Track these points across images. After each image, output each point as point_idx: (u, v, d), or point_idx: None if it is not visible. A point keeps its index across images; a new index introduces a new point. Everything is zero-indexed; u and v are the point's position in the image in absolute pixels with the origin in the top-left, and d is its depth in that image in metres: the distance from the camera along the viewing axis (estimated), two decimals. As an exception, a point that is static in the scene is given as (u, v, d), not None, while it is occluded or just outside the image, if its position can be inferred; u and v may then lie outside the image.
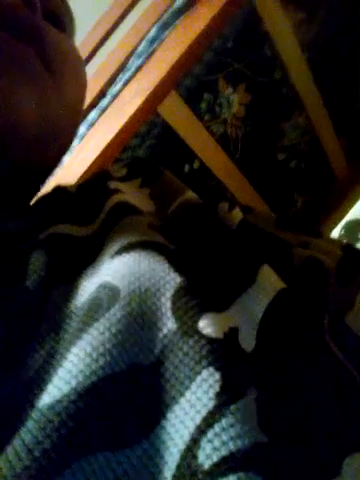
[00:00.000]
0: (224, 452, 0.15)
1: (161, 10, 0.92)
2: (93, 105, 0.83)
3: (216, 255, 0.24)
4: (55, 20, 0.32)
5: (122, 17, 1.10)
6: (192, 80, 0.80)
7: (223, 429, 0.16)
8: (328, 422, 0.18)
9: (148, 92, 0.72)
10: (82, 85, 0.34)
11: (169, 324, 0.19)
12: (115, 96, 0.77)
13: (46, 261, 0.23)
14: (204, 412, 0.16)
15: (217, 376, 0.17)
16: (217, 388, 0.17)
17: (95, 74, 1.05)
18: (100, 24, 1.14)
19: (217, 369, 0.17)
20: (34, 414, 0.17)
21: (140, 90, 0.73)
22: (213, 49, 0.80)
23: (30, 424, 0.16)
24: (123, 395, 0.17)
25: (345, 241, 0.43)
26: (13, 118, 0.27)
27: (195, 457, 0.16)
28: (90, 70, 0.97)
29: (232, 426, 0.16)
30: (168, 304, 0.20)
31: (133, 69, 0.78)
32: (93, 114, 0.79)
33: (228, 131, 0.89)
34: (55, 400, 0.17)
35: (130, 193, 0.31)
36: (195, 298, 0.20)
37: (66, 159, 0.74)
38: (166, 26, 0.79)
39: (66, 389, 0.17)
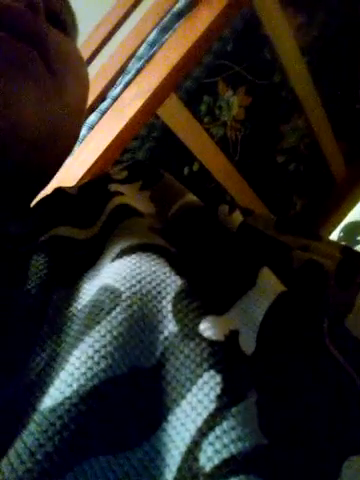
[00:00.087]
0: (225, 454, 0.15)
1: (162, 12, 0.92)
2: (93, 108, 0.83)
3: (216, 258, 0.25)
4: (57, 21, 0.32)
5: (124, 18, 1.10)
6: (192, 83, 0.80)
7: (224, 431, 0.16)
8: (328, 425, 0.18)
9: (148, 95, 0.72)
10: (84, 86, 0.34)
11: (170, 327, 0.19)
12: (115, 99, 0.77)
13: (47, 264, 0.23)
14: (205, 414, 0.16)
15: (218, 379, 0.17)
16: (218, 391, 0.17)
17: (95, 77, 1.05)
18: (102, 25, 1.13)
19: (218, 372, 0.17)
20: (36, 417, 0.17)
21: (140, 93, 0.73)
22: (213, 52, 0.80)
23: (32, 427, 0.16)
24: (124, 398, 0.17)
25: (344, 243, 0.43)
26: (14, 119, 0.27)
27: (196, 459, 0.16)
28: (92, 71, 0.97)
29: (233, 428, 0.16)
30: (169, 307, 0.20)
31: (133, 72, 0.78)
32: (93, 117, 0.79)
33: (228, 133, 0.89)
34: (57, 403, 0.17)
35: (131, 196, 0.31)
36: (196, 301, 0.20)
37: (67, 161, 0.74)
38: (166, 29, 0.79)
39: (68, 392, 0.17)
